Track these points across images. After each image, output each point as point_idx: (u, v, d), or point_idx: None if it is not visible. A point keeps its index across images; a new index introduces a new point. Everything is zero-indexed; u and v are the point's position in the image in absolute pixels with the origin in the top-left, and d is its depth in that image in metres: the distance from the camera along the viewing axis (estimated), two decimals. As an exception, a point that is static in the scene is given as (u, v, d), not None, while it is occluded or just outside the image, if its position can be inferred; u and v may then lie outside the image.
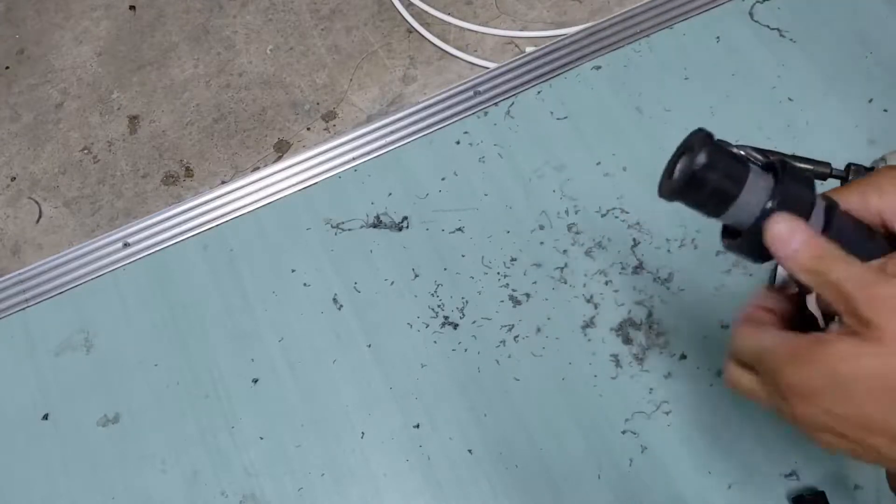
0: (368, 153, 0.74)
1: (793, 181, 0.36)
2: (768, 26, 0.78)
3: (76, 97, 1.84)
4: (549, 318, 0.66)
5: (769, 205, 0.36)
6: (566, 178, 0.72)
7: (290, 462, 0.62)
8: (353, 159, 0.74)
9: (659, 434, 0.61)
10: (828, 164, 0.49)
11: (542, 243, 0.69)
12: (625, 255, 0.68)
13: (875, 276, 0.33)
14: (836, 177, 0.49)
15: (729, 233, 0.40)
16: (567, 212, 0.71)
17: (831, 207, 0.38)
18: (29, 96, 1.85)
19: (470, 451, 0.62)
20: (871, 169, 0.49)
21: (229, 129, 1.76)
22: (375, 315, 0.67)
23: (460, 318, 0.67)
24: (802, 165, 0.49)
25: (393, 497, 0.61)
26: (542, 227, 0.70)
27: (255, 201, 0.73)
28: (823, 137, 0.71)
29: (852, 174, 0.49)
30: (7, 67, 1.90)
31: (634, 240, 0.69)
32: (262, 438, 0.63)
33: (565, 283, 0.68)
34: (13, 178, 1.75)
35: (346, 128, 1.74)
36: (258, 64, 1.84)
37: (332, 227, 0.71)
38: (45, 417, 0.65)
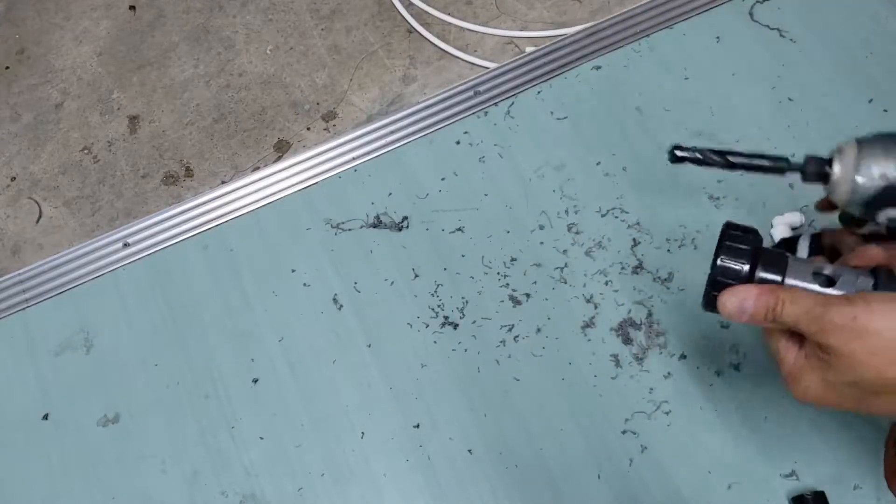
0: (368, 153, 0.74)
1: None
2: (768, 26, 0.78)
3: (76, 97, 1.84)
4: (549, 318, 0.66)
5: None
6: (566, 178, 0.72)
7: (290, 462, 0.62)
8: (353, 159, 0.74)
9: (659, 434, 0.61)
10: (785, 159, 0.49)
11: (542, 243, 0.69)
12: (625, 255, 0.68)
13: (823, 307, 0.41)
14: (795, 170, 0.49)
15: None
16: (567, 212, 0.71)
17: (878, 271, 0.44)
18: (29, 96, 1.85)
19: (470, 451, 0.62)
20: (829, 161, 0.49)
21: (229, 129, 1.76)
22: (375, 315, 0.67)
23: (460, 318, 0.67)
24: (759, 163, 0.49)
25: (393, 497, 0.61)
26: (542, 227, 0.70)
27: (255, 201, 0.73)
28: (823, 138, 0.71)
29: (813, 165, 0.49)
30: (7, 67, 1.90)
31: (634, 240, 0.69)
32: (262, 438, 0.63)
33: (565, 283, 0.68)
34: (13, 178, 1.75)
35: (346, 128, 1.74)
36: (258, 64, 1.84)
37: (332, 227, 0.71)
38: (45, 417, 0.65)
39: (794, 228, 0.68)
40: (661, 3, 0.80)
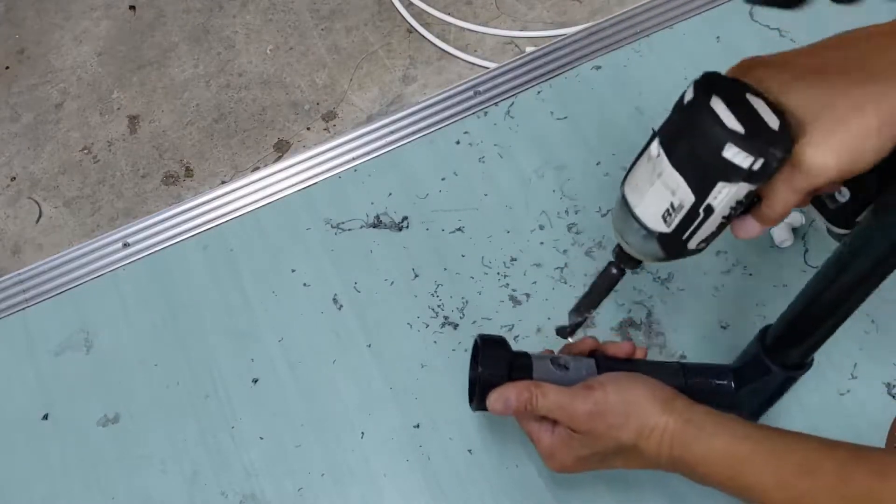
0: (368, 153, 0.74)
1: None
2: (768, 26, 0.78)
3: (76, 97, 1.84)
4: (549, 318, 0.66)
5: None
6: (566, 178, 0.72)
7: (290, 462, 0.62)
8: (353, 159, 0.74)
9: (659, 434, 0.61)
10: (609, 263, 0.51)
11: (542, 243, 0.69)
12: (625, 255, 0.68)
13: (570, 398, 0.50)
14: (621, 268, 0.50)
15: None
16: (567, 212, 0.71)
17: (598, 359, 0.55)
18: (29, 96, 1.85)
19: (470, 451, 0.62)
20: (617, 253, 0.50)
21: (229, 129, 1.76)
22: (375, 315, 0.67)
23: (460, 318, 0.67)
24: (600, 284, 0.52)
25: (393, 497, 0.61)
26: (542, 227, 0.70)
27: (255, 201, 0.73)
28: (823, 137, 0.71)
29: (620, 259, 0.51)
30: (7, 67, 1.89)
31: (634, 240, 0.69)
32: (262, 438, 0.63)
33: (565, 283, 0.68)
34: (13, 178, 1.75)
35: (346, 128, 1.74)
36: (258, 64, 1.84)
37: (332, 227, 0.71)
38: (45, 417, 0.65)
39: (794, 228, 0.68)
40: (661, 3, 0.80)
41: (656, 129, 0.44)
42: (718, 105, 0.40)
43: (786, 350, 0.51)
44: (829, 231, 0.51)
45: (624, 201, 0.46)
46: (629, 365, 0.54)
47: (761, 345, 0.52)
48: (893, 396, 0.62)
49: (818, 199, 0.49)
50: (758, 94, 0.41)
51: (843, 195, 0.47)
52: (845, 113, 0.40)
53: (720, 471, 0.45)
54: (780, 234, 0.67)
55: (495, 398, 0.52)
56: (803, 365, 0.51)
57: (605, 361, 0.55)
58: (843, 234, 0.49)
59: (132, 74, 1.86)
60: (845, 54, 0.43)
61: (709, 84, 0.42)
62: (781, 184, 0.42)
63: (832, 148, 0.40)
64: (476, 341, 0.56)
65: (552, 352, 0.58)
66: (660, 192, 0.43)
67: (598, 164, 0.72)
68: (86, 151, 1.77)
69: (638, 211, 0.45)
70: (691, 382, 0.54)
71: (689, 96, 0.42)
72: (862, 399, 0.62)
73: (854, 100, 0.40)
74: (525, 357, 0.55)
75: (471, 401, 0.57)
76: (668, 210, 0.43)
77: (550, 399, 0.50)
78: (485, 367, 0.53)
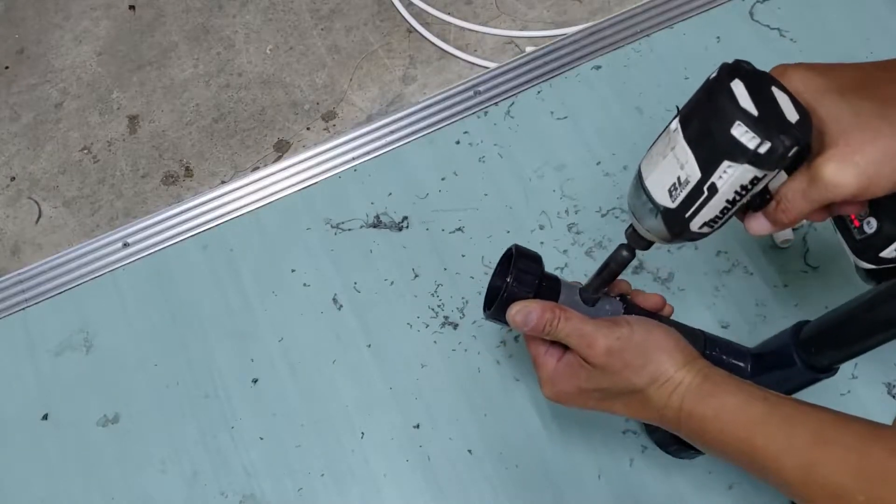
0: (368, 153, 0.74)
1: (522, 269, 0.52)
2: (768, 26, 0.78)
3: (76, 97, 1.84)
4: (549, 318, 0.66)
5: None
6: (566, 178, 0.72)
7: (290, 462, 0.62)
8: (353, 159, 0.74)
9: (659, 434, 0.61)
10: (619, 249, 0.51)
11: (542, 243, 0.69)
12: (625, 255, 0.68)
13: (593, 327, 0.49)
14: (633, 248, 0.51)
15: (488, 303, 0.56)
16: (567, 212, 0.71)
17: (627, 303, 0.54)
18: (29, 96, 1.85)
19: (470, 451, 0.62)
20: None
21: (229, 129, 1.76)
22: (375, 315, 0.67)
23: (460, 318, 0.67)
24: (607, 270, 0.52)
25: (393, 497, 0.61)
26: (542, 227, 0.70)
27: (255, 201, 0.73)
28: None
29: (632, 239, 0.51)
30: (7, 67, 1.89)
31: (634, 240, 0.68)
32: (262, 438, 0.63)
33: (565, 283, 0.67)
34: (13, 178, 1.75)
35: (346, 128, 1.74)
36: (258, 64, 1.84)
37: (332, 227, 0.71)
38: (45, 417, 0.65)
39: (794, 228, 0.68)
40: (661, 3, 0.80)
41: (680, 106, 0.45)
42: (738, 87, 0.41)
43: (821, 351, 0.50)
44: (856, 266, 0.50)
45: (638, 174, 0.46)
46: (656, 318, 0.54)
47: (795, 338, 0.51)
48: (893, 396, 0.62)
49: (846, 229, 0.49)
50: (786, 91, 0.42)
51: (871, 226, 0.46)
52: (875, 132, 0.40)
53: (731, 430, 0.44)
54: (781, 233, 0.67)
55: (517, 310, 0.51)
56: (830, 369, 0.50)
57: (632, 308, 0.54)
58: (870, 269, 0.48)
59: (132, 74, 1.86)
60: (888, 76, 0.43)
61: (735, 68, 0.42)
62: (796, 191, 0.42)
63: (854, 164, 0.40)
64: (511, 250, 0.54)
65: (580, 284, 0.57)
66: (670, 165, 0.44)
67: (598, 164, 0.72)
68: (85, 151, 1.76)
69: (648, 183, 0.45)
70: (709, 354, 0.53)
71: (713, 75, 0.43)
72: (862, 399, 0.62)
73: (888, 120, 0.40)
74: (555, 281, 0.54)
75: (487, 308, 0.55)
76: (674, 184, 0.44)
77: (572, 325, 0.49)
78: (515, 279, 0.52)
